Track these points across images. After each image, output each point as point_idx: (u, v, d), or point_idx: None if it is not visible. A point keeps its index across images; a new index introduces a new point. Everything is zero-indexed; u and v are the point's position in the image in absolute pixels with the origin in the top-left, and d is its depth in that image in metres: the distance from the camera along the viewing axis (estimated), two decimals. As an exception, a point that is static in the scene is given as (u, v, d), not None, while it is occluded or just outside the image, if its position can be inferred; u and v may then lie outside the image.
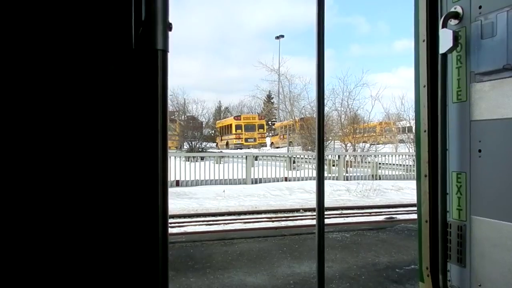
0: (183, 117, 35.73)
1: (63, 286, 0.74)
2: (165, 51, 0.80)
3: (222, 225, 9.12)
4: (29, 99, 0.73)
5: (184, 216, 10.03)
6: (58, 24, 0.74)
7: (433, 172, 1.98)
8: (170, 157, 13.57)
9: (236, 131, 34.78)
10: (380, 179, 17.04)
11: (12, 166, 0.72)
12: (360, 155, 19.33)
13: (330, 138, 26.67)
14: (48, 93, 0.74)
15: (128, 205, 0.77)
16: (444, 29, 1.85)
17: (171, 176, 14.01)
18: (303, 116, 31.90)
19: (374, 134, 29.74)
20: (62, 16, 0.74)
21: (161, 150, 0.80)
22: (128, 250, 0.76)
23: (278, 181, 15.78)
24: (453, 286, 1.90)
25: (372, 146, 27.04)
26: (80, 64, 0.75)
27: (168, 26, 0.81)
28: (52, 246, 0.73)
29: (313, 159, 17.32)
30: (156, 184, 0.79)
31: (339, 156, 17.60)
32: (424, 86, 2.03)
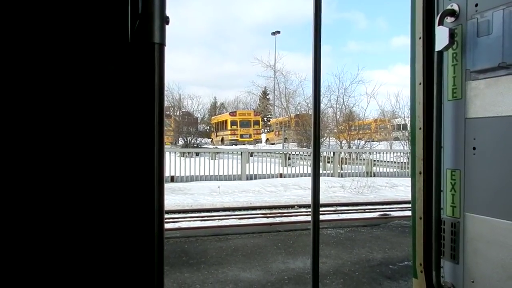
0: (178, 112, 35.58)
1: (60, 280, 0.74)
2: (162, 44, 0.79)
3: (217, 221, 9.12)
4: (23, 93, 0.72)
5: (179, 211, 10.02)
6: (54, 18, 0.73)
7: (427, 169, 1.99)
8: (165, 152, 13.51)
9: (231, 127, 34.73)
10: (374, 176, 17.12)
11: (4, 159, 0.71)
12: (355, 152, 19.39)
13: (325, 135, 26.72)
14: (43, 88, 0.73)
15: (124, 201, 0.76)
16: (440, 26, 1.86)
17: (166, 172, 13.96)
18: (298, 113, 31.92)
19: (369, 132, 29.82)
20: (58, 10, 0.74)
21: (157, 145, 0.79)
22: (124, 246, 0.76)
23: (273, 177, 15.79)
24: (446, 283, 1.91)
25: (367, 143, 27.15)
26: (76, 58, 0.75)
27: (165, 20, 0.80)
28: (50, 241, 0.73)
29: (308, 155, 17.36)
30: (152, 180, 0.79)
31: (334, 153, 17.65)
32: (420, 84, 2.04)
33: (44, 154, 0.73)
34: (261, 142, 36.55)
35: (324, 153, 17.99)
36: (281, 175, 16.06)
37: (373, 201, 12.23)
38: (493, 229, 1.72)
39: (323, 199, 10.82)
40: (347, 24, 69.58)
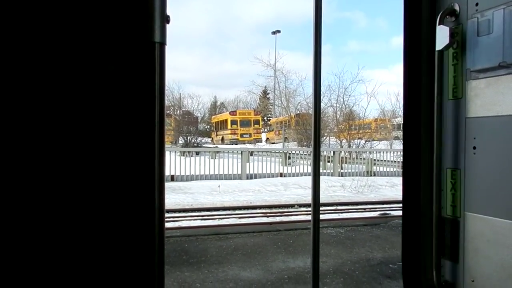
0: (178, 112, 35.60)
1: (62, 278, 0.74)
2: (162, 43, 0.79)
3: (217, 220, 9.12)
4: (23, 95, 0.72)
5: (179, 210, 10.03)
6: (56, 18, 0.73)
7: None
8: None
9: (231, 126, 34.73)
10: (374, 175, 17.12)
11: (6, 159, 0.71)
12: (355, 152, 19.39)
13: (326, 134, 26.73)
14: (44, 88, 0.73)
15: (125, 200, 0.76)
16: (441, 25, 1.86)
17: (166, 171, 13.97)
18: (298, 112, 31.91)
19: (369, 131, 29.81)
20: (59, 10, 0.74)
21: (158, 144, 0.79)
22: (125, 245, 0.76)
23: (273, 176, 15.80)
24: (446, 282, 1.92)
25: (367, 142, 27.15)
26: (77, 58, 0.75)
27: (165, 19, 0.80)
28: (51, 240, 0.73)
29: (308, 155, 17.36)
30: (152, 179, 0.79)
31: (334, 152, 17.65)
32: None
33: (46, 153, 0.73)
34: (261, 142, 36.53)
35: (324, 153, 17.99)
36: (281, 175, 16.06)
37: (373, 200, 12.23)
38: (494, 228, 1.72)
39: (323, 199, 10.83)
40: (347, 23, 69.33)
